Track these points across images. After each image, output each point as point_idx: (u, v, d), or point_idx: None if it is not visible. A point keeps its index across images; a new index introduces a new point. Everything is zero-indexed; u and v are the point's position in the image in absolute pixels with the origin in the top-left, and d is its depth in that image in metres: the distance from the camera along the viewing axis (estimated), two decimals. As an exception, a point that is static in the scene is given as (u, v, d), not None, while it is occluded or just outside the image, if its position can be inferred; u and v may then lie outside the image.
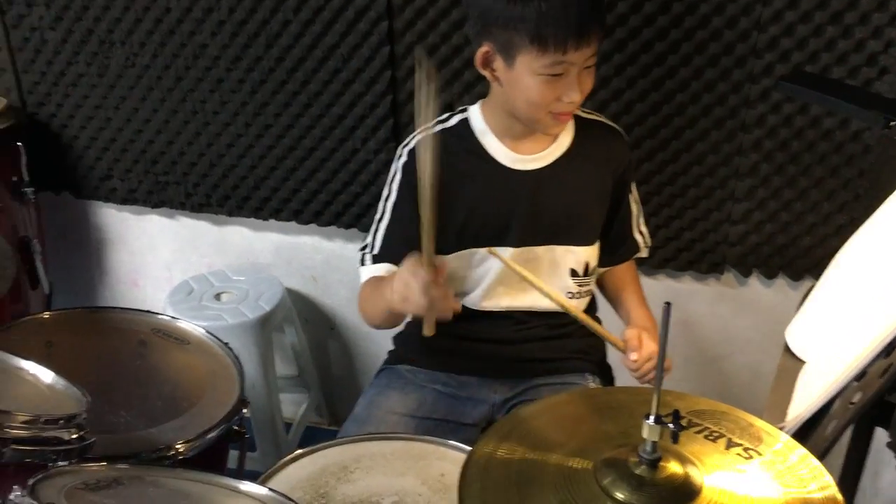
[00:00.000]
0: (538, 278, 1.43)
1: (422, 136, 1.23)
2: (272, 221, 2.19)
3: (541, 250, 1.50)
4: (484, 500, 0.89)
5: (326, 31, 1.92)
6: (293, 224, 2.17)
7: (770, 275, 1.95)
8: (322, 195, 2.11)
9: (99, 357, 1.57)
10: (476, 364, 1.57)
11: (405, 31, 1.89)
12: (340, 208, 2.11)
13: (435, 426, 1.53)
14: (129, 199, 2.25)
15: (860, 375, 0.98)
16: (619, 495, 0.87)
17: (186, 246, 2.33)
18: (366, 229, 2.09)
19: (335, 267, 2.24)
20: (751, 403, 2.05)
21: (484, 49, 1.36)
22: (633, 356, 1.39)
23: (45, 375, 1.19)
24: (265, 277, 2.23)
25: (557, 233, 1.49)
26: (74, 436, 1.06)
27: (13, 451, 0.97)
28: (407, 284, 1.26)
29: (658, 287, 2.01)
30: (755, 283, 1.98)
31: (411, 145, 1.50)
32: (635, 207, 1.60)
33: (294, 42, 1.95)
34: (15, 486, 0.90)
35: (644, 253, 1.65)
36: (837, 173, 1.80)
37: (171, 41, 2.02)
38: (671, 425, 0.88)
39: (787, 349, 1.21)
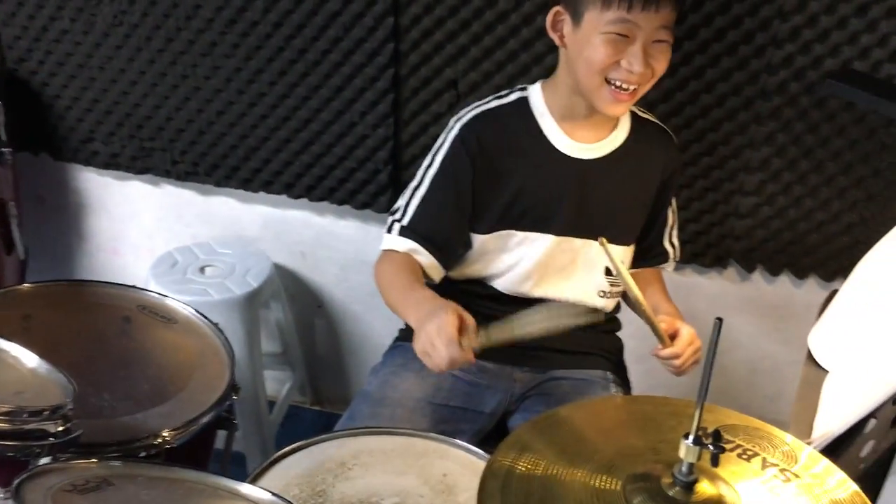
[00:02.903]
0: (571, 274, 1.43)
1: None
2: (261, 194, 2.11)
3: (579, 243, 1.47)
4: (506, 519, 0.84)
5: (328, -3, 1.83)
6: (283, 197, 2.09)
7: (774, 272, 1.91)
8: (315, 169, 2.02)
9: (80, 333, 1.48)
10: (497, 349, 1.51)
11: (411, 1, 1.81)
12: (334, 183, 2.03)
13: (451, 413, 1.47)
14: (112, 163, 2.15)
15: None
16: (652, 519, 0.82)
17: (170, 215, 2.24)
18: (359, 206, 2.04)
19: (325, 244, 2.17)
20: (748, 400, 2.06)
21: (555, 10, 1.36)
22: (675, 347, 1.35)
23: (29, 359, 1.11)
24: (252, 251, 2.15)
25: (600, 228, 1.43)
26: (60, 428, 0.98)
27: (-6, 445, 0.90)
28: (434, 346, 1.22)
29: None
30: (758, 279, 1.94)
31: (465, 119, 1.45)
32: (671, 217, 1.58)
33: (294, 7, 1.86)
34: (-3, 487, 0.83)
35: (671, 266, 1.62)
36: (851, 171, 1.76)
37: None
38: (711, 447, 0.83)
39: (810, 357, 1.17)
